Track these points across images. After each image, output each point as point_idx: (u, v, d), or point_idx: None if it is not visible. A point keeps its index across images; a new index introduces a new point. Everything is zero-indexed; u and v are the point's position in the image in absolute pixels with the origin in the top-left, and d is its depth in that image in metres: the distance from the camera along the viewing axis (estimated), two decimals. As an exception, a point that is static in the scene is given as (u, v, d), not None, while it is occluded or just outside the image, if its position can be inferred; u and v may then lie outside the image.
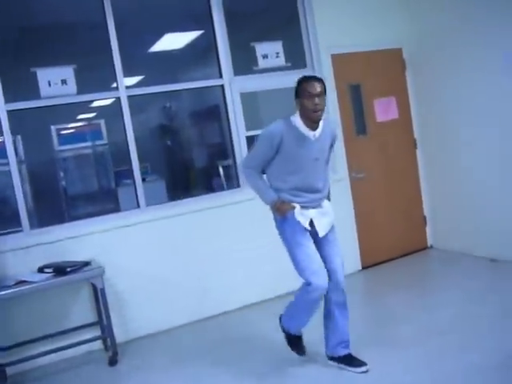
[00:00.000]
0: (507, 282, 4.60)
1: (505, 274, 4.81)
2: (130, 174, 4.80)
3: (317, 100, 3.13)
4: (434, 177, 5.87)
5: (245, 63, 5.22)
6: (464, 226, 5.55)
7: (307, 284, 3.26)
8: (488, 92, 4.98)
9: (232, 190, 5.18)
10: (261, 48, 5.26)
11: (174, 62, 5.48)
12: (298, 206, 3.28)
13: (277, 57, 5.31)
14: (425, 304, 4.44)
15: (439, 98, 5.56)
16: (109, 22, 4.60)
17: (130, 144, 4.71)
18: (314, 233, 3.34)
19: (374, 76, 5.65)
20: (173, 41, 5.43)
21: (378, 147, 5.73)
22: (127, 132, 4.70)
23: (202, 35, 5.36)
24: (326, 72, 5.42)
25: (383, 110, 5.73)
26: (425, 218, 6.05)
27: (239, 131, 5.13)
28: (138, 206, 4.77)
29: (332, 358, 3.51)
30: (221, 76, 5.08)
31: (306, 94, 3.16)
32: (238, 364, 3.84)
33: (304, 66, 5.46)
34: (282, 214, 3.31)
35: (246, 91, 5.19)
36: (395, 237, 5.83)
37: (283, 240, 3.40)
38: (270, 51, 5.28)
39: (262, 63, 5.27)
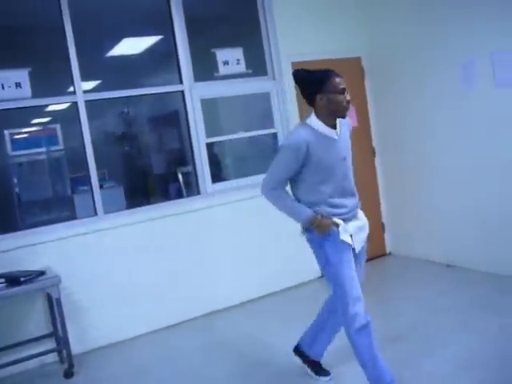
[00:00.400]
0: (462, 287, 4.70)
1: (460, 279, 4.91)
2: (86, 180, 4.70)
3: (348, 95, 2.92)
4: (392, 184, 5.96)
5: (205, 69, 5.19)
6: (421, 233, 5.65)
7: (346, 313, 2.92)
8: (446, 101, 5.09)
9: (192, 198, 5.12)
10: (221, 54, 5.24)
11: (134, 67, 5.40)
12: (342, 223, 2.93)
13: (237, 63, 5.30)
14: (382, 311, 4.47)
15: (397, 106, 5.66)
16: (66, 25, 4.49)
17: (87, 150, 4.61)
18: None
19: (333, 84, 5.68)
20: (132, 45, 5.36)
21: (337, 155, 5.76)
22: (84, 137, 4.60)
23: (161, 40, 5.30)
24: (287, 79, 5.45)
25: (343, 118, 5.77)
26: (383, 224, 6.13)
27: (199, 138, 5.09)
28: (96, 213, 4.66)
29: (303, 356, 3.47)
30: (181, 82, 5.04)
31: (337, 89, 2.87)
32: (202, 372, 3.80)
33: (265, 73, 5.46)
34: (323, 231, 2.91)
35: (206, 97, 5.15)
36: (354, 244, 5.88)
37: (322, 260, 3.01)
38: (230, 58, 5.26)
39: (222, 70, 5.25)
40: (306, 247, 5.55)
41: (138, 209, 4.86)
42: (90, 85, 4.98)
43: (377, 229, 6.08)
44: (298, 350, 3.52)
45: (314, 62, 5.53)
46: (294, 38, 5.44)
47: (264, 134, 5.56)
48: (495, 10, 4.48)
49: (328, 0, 5.64)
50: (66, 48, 4.51)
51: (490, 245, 4.90)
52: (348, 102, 2.91)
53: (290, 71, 5.41)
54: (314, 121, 2.97)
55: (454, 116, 5.03)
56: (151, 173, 6.06)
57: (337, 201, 2.97)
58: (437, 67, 5.11)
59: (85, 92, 4.62)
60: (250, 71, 5.36)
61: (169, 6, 4.94)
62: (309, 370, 3.46)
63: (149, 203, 5.03)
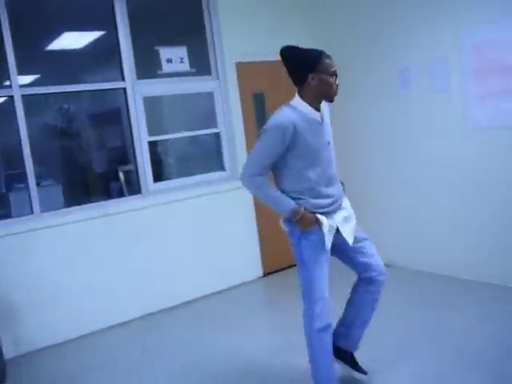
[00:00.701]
0: (400, 286, 4.83)
1: (398, 278, 5.05)
2: (23, 177, 4.54)
3: (337, 79, 2.80)
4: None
5: (148, 67, 5.12)
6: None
7: (310, 310, 2.87)
8: (385, 102, 5.26)
9: (133, 197, 5.04)
10: (165, 52, 5.19)
11: (75, 62, 5.25)
12: (325, 221, 2.79)
13: (181, 62, 5.26)
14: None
15: (339, 106, 5.74)
16: (2, 16, 4.34)
17: (23, 146, 4.47)
18: (341, 240, 2.91)
19: (277, 85, 5.73)
20: (73, 40, 5.21)
21: (280, 156, 5.80)
22: (21, 133, 4.45)
23: (104, 36, 5.19)
24: (231, 80, 5.46)
25: (285, 120, 5.83)
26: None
27: (141, 136, 5.02)
28: (32, 211, 4.52)
29: (344, 354, 3.24)
30: (123, 79, 4.95)
31: (330, 71, 2.75)
32: (142, 374, 3.75)
33: (208, 72, 5.44)
34: (304, 226, 2.77)
35: (149, 95, 5.09)
36: (296, 244, 5.93)
37: (297, 256, 2.90)
38: (174, 56, 5.22)
39: (166, 68, 5.20)
40: (249, 247, 5.62)
41: (77, 207, 4.75)
42: (28, 79, 4.82)
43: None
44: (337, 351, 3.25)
45: (257, 62, 5.60)
46: (239, 38, 5.45)
47: (207, 134, 5.54)
48: (431, 21, 4.70)
49: (273, 2, 5.68)
50: (2, 39, 4.36)
51: (425, 244, 5.08)
52: (337, 85, 2.81)
53: (235, 71, 5.48)
54: (298, 102, 2.79)
55: (393, 116, 5.21)
56: (91, 171, 5.92)
57: (322, 190, 2.82)
58: (377, 70, 5.27)
59: (22, 86, 4.48)
60: (194, 70, 5.34)
61: (112, 1, 4.86)
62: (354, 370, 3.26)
63: (89, 202, 4.91)
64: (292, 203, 2.77)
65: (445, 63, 4.66)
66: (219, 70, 5.44)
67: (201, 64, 5.40)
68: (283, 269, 5.82)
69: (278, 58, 5.99)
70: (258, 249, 5.66)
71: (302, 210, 2.75)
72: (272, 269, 5.77)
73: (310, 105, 2.79)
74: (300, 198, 2.80)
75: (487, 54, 4.34)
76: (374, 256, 3.08)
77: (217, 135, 5.53)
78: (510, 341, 3.53)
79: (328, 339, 2.92)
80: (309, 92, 2.78)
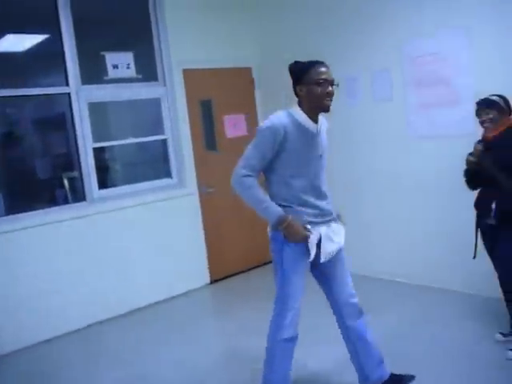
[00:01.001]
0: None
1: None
2: (-40, 184, 4.39)
3: (330, 88, 2.76)
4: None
5: (94, 72, 5.04)
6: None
7: (279, 318, 2.85)
8: (334, 111, 5.31)
9: (77, 204, 4.95)
10: (111, 58, 5.13)
11: (17, 66, 5.11)
12: (312, 233, 2.76)
13: (128, 68, 5.20)
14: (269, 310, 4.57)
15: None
16: None
17: (-39, 152, 4.32)
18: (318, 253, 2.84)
19: (224, 92, 5.76)
20: (16, 42, 5.08)
21: (227, 162, 5.75)
22: (-41, 138, 4.31)
23: (48, 39, 5.07)
24: (178, 86, 5.44)
25: (232, 126, 5.87)
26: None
27: (86, 142, 4.94)
28: (-30, 219, 4.37)
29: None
30: (67, 84, 4.86)
31: (318, 80, 2.74)
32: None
33: (155, 78, 5.41)
34: (292, 237, 2.73)
35: (94, 101, 5.01)
36: (244, 250, 5.97)
37: (277, 261, 2.85)
38: (120, 61, 5.16)
39: (111, 73, 5.14)
40: (196, 254, 5.60)
41: (19, 215, 4.62)
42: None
43: (266, 235, 6.18)
44: None
45: (205, 69, 5.61)
46: (187, 45, 5.45)
47: (154, 141, 5.50)
48: (375, 32, 4.86)
49: (221, 11, 5.70)
50: None
51: (372, 249, 5.21)
52: (328, 93, 2.76)
53: (182, 78, 5.47)
54: (296, 110, 2.81)
55: (338, 125, 5.29)
56: (35, 178, 5.77)
57: (310, 199, 2.81)
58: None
59: (-41, 90, 4.33)
60: (140, 76, 5.29)
61: (55, 4, 4.76)
62: None
63: (31, 209, 4.78)
64: (279, 210, 2.73)
65: (388, 74, 4.81)
66: (166, 76, 5.42)
67: (148, 70, 5.37)
68: (230, 276, 5.83)
69: (226, 65, 6.01)
70: (205, 256, 5.65)
71: (290, 218, 2.71)
72: (219, 276, 5.77)
73: (307, 115, 2.80)
74: (287, 206, 2.78)
75: (426, 66, 4.52)
76: (348, 284, 3.06)
77: (164, 142, 5.50)
78: (452, 342, 3.66)
79: (291, 349, 2.91)
80: (303, 103, 2.81)
